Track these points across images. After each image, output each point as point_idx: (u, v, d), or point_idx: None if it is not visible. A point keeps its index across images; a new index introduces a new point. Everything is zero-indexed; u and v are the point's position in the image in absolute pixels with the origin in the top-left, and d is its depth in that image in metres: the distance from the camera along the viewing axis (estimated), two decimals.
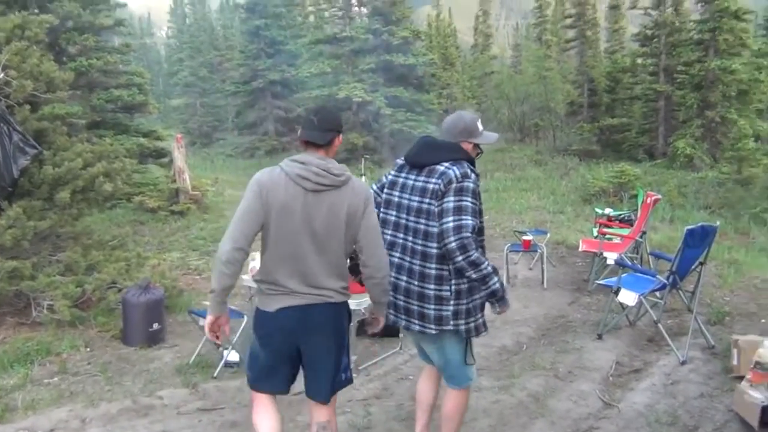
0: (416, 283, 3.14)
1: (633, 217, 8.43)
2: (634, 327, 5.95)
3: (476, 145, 3.34)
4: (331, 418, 3.11)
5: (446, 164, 3.10)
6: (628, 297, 5.36)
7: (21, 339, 5.53)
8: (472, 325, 3.17)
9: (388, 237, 3.25)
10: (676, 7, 20.11)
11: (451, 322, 3.10)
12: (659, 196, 7.98)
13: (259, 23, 25.17)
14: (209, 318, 2.99)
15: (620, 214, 8.83)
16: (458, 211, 2.96)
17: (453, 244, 2.90)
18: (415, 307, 3.16)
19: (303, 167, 2.83)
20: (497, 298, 3.08)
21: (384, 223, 3.26)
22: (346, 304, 3.05)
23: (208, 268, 8.08)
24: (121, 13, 15.70)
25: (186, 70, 34.68)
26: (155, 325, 5.59)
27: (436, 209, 3.05)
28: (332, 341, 2.98)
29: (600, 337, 5.66)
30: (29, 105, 6.20)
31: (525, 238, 7.77)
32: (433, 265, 3.08)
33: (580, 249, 7.78)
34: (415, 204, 3.15)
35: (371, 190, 3.14)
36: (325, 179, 2.82)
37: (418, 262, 3.13)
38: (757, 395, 3.93)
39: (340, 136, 3.02)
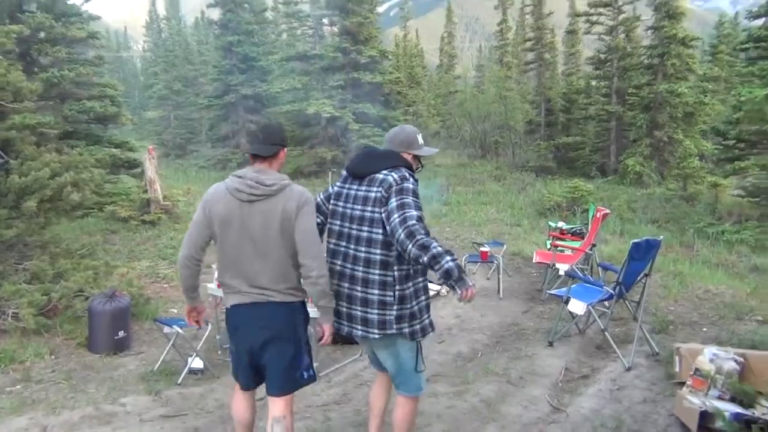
0: (359, 288, 3.12)
1: (584, 231, 8.53)
2: (584, 335, 6.00)
3: (417, 158, 3.36)
4: (285, 414, 3.14)
5: (385, 171, 3.13)
6: (577, 306, 5.41)
7: None
8: (417, 327, 3.14)
9: (332, 246, 3.26)
10: (627, 33, 20.54)
11: (395, 326, 3.08)
12: (608, 211, 8.10)
13: (232, 39, 24.96)
14: (186, 307, 3.34)
15: (572, 228, 8.93)
16: (401, 207, 2.98)
17: (402, 235, 2.90)
18: (359, 313, 3.14)
19: (239, 181, 3.03)
20: (454, 279, 2.85)
21: (329, 232, 3.28)
22: (295, 303, 3.13)
23: (177, 276, 7.96)
24: (95, 26, 15.45)
25: (160, 84, 34.25)
26: (121, 333, 5.47)
27: (380, 216, 3.05)
28: (281, 337, 3.08)
29: (551, 344, 5.70)
30: None
31: (482, 249, 7.80)
32: (377, 271, 3.07)
33: (534, 260, 7.84)
34: (358, 213, 3.15)
35: (310, 196, 3.12)
36: (257, 190, 2.99)
37: (361, 268, 3.11)
38: (695, 401, 3.99)
39: (285, 149, 3.17)
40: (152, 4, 72.73)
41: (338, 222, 3.24)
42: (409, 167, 3.25)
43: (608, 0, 20.04)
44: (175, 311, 6.68)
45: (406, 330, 3.10)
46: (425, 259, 2.84)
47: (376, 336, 3.11)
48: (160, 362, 5.09)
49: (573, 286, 5.76)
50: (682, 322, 6.48)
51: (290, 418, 3.18)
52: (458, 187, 18.28)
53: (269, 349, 3.08)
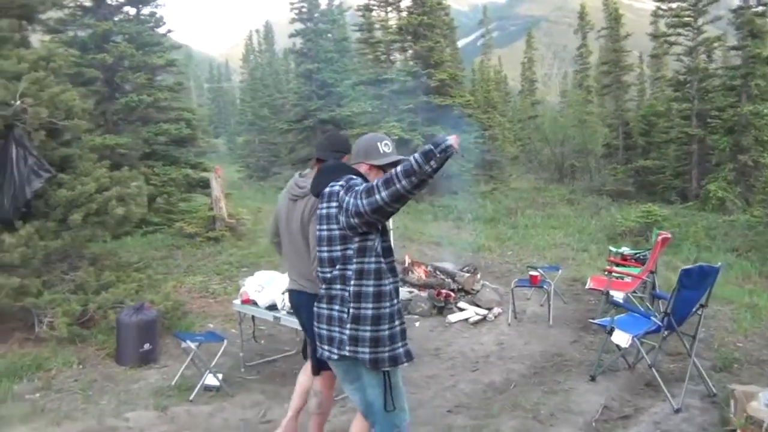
0: (325, 305, 2.82)
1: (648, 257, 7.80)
2: (633, 370, 5.35)
3: (380, 168, 2.92)
4: (323, 390, 3.58)
5: (333, 184, 2.80)
6: (621, 338, 4.82)
7: (19, 354, 5.35)
8: (384, 355, 2.69)
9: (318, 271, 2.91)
10: (708, 53, 19.32)
11: (347, 348, 2.70)
12: (669, 235, 7.35)
13: (311, 67, 25.40)
14: None
15: (637, 253, 8.19)
16: (352, 191, 2.63)
17: (362, 196, 2.53)
18: (325, 331, 2.83)
19: (289, 182, 3.66)
20: (441, 150, 2.35)
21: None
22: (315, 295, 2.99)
23: (225, 293, 7.86)
24: (198, 58, 15.99)
25: (248, 110, 35.32)
26: (146, 346, 5.33)
27: (337, 233, 2.73)
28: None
29: (593, 378, 5.10)
30: (46, 131, 6.11)
31: (532, 273, 7.24)
32: (338, 286, 2.76)
33: (587, 286, 7.21)
34: (323, 233, 2.82)
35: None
36: (294, 191, 3.56)
37: (325, 287, 2.81)
38: None
39: (347, 156, 3.36)
40: (249, 38, 75.87)
41: (317, 247, 2.90)
42: (364, 179, 2.85)
43: (687, 20, 18.90)
44: (212, 326, 6.53)
45: (367, 356, 2.68)
46: (414, 179, 2.37)
47: (335, 356, 2.77)
48: (177, 377, 4.90)
49: (619, 316, 5.16)
50: (750, 360, 5.71)
51: (327, 395, 3.61)
52: (527, 210, 17.57)
53: (308, 332, 3.54)
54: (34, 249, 5.82)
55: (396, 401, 2.81)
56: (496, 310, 7.20)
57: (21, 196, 5.78)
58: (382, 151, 2.93)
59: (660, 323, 4.72)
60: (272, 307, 4.95)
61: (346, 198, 2.62)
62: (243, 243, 11.45)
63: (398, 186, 2.39)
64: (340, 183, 2.77)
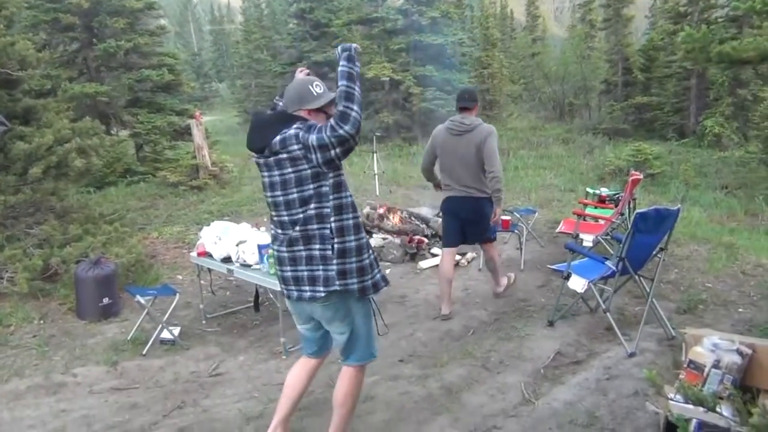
0: (302, 247, 2.81)
1: None
2: (594, 315, 5.31)
3: (321, 111, 2.85)
4: (491, 251, 5.63)
5: (283, 131, 2.73)
6: (577, 283, 4.76)
7: None
8: (368, 282, 2.87)
9: (273, 217, 2.94)
10: None
11: (337, 282, 2.78)
12: (640, 176, 7.21)
13: (304, 6, 24.69)
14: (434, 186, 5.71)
15: (616, 194, 8.04)
16: (315, 128, 2.66)
17: (328, 125, 2.60)
18: (305, 273, 2.84)
19: (451, 122, 5.24)
20: (354, 51, 2.70)
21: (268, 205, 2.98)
22: (484, 198, 5.21)
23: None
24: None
25: (242, 53, 34.59)
26: (105, 300, 5.33)
27: (308, 172, 2.71)
28: (478, 217, 5.30)
29: (551, 324, 5.07)
30: (2, 82, 5.97)
31: (504, 217, 7.12)
32: (315, 225, 2.76)
33: (557, 230, 7.12)
34: (288, 176, 2.76)
35: (493, 129, 5.21)
36: (462, 127, 5.16)
37: (299, 228, 2.79)
38: (678, 403, 3.32)
39: (477, 103, 5.34)
40: None
41: (269, 193, 2.89)
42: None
43: None
44: (181, 278, 6.53)
45: (355, 286, 2.82)
46: (352, 105, 2.58)
47: (322, 293, 2.80)
48: (134, 331, 4.90)
49: (577, 261, 5.08)
50: (717, 301, 5.64)
51: (496, 254, 5.73)
52: (520, 151, 17.33)
53: (471, 224, 5.36)
54: None
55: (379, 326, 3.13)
56: (470, 255, 7.14)
57: None
58: (315, 93, 2.86)
59: (614, 268, 4.63)
60: (227, 260, 4.91)
61: (311, 135, 2.62)
62: (227, 191, 11.39)
63: (353, 111, 2.56)
64: (293, 127, 2.72)
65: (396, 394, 3.91)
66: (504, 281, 5.87)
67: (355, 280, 2.82)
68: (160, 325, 4.71)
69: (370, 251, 2.92)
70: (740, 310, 5.44)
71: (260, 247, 4.56)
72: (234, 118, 32.04)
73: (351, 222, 2.81)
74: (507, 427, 3.50)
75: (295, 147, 2.68)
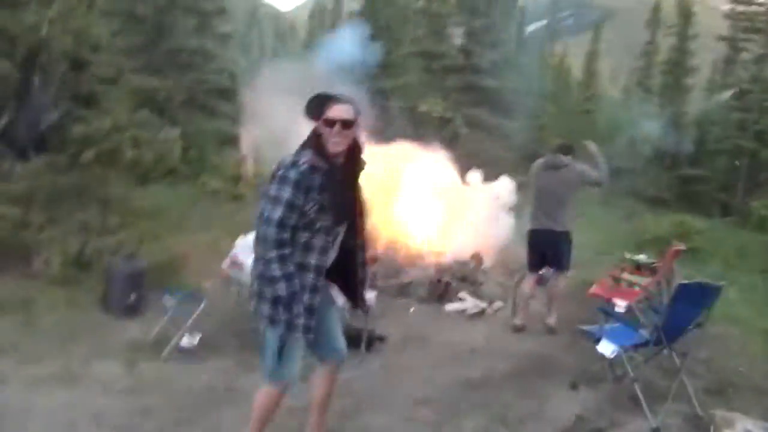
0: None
1: None
2: (619, 383, 5.11)
3: (331, 121, 2.86)
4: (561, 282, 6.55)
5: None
6: (606, 348, 4.63)
7: (11, 287, 5.43)
8: (281, 318, 2.87)
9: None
10: None
11: (252, 301, 2.95)
12: (683, 247, 7.07)
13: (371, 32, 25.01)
14: None
15: (653, 263, 7.83)
16: (270, 200, 2.80)
17: (257, 231, 2.82)
18: None
19: (551, 159, 6.23)
20: (283, 310, 2.82)
21: None
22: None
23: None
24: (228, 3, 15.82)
25: None
26: (132, 296, 5.36)
27: None
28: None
29: (574, 386, 4.91)
30: (71, 63, 6.11)
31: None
32: None
33: (590, 290, 6.96)
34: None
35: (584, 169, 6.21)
36: (560, 163, 6.05)
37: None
38: None
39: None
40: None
41: None
42: (319, 148, 2.86)
43: (760, 26, 17.86)
44: (208, 286, 6.53)
45: (265, 313, 2.90)
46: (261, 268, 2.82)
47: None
48: (156, 333, 4.90)
49: (610, 325, 4.94)
50: (748, 386, 5.40)
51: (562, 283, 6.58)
52: None
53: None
54: (42, 183, 5.88)
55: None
56: (497, 304, 7.04)
57: (36, 126, 5.81)
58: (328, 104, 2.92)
59: (649, 337, 4.50)
60: None
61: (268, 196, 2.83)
62: None
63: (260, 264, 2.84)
64: (287, 156, 2.88)
65: None
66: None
67: (266, 307, 2.90)
68: (181, 332, 4.70)
69: (306, 294, 2.91)
70: None
71: None
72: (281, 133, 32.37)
73: (278, 254, 2.82)
74: None
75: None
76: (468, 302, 6.92)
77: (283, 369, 3.00)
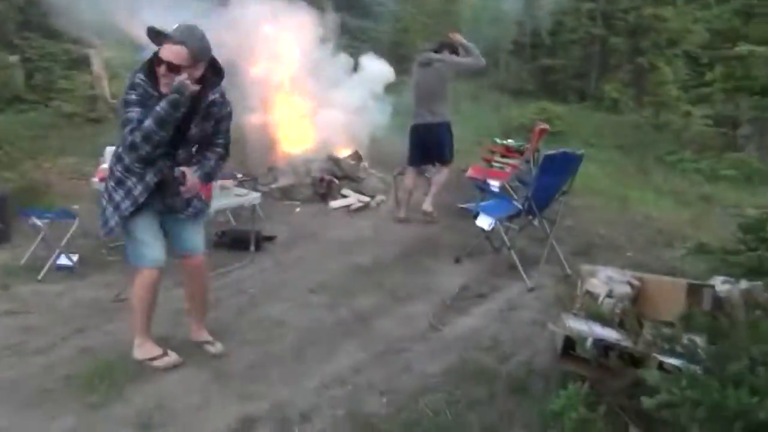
0: None
1: None
2: (498, 254, 5.51)
3: (158, 61, 2.87)
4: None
5: None
6: (484, 221, 4.94)
7: None
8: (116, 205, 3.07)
9: None
10: None
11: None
12: (547, 126, 7.53)
13: None
14: None
15: (520, 146, 8.31)
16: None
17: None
18: None
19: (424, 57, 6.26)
20: (183, 95, 2.82)
21: None
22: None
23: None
24: None
25: None
26: None
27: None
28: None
29: (458, 260, 5.24)
30: None
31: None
32: None
33: (466, 174, 7.30)
34: None
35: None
36: (424, 60, 6.31)
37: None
38: (575, 324, 3.54)
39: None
40: None
41: None
42: (149, 73, 2.90)
43: None
44: (77, 207, 6.18)
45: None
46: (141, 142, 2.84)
47: None
48: (27, 257, 4.63)
49: (485, 201, 5.25)
50: (608, 246, 6.02)
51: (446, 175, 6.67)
52: None
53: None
54: None
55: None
56: (380, 197, 7.21)
57: None
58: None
59: (520, 207, 4.83)
60: None
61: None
62: None
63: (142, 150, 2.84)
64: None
65: (307, 320, 3.94)
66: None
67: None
68: (57, 250, 4.47)
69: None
70: (629, 254, 5.82)
71: None
72: (129, 54, 30.17)
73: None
74: (415, 350, 3.61)
75: None
76: (351, 198, 7.04)
77: (138, 250, 3.11)
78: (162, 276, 3.19)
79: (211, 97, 3.00)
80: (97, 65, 10.79)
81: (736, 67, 10.12)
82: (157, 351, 3.25)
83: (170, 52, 2.79)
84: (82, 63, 12.94)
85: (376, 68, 8.99)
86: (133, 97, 2.83)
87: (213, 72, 3.03)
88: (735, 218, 4.10)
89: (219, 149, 3.16)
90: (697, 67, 12.99)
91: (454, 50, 6.34)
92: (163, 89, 2.84)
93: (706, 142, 12.23)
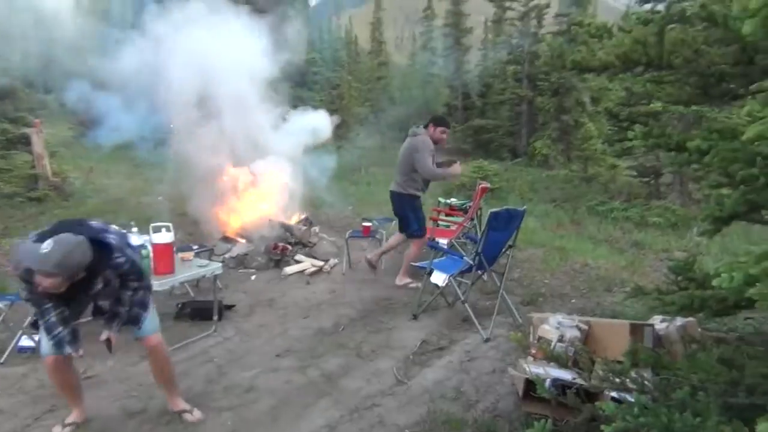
0: None
1: None
2: (452, 308, 5.78)
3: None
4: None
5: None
6: (438, 278, 5.21)
7: None
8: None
9: None
10: (538, 19, 20.62)
11: None
12: (488, 185, 7.98)
13: None
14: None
15: (462, 204, 8.74)
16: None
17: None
18: None
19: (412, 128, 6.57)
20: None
21: None
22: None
23: None
24: None
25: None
26: None
27: None
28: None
29: (415, 317, 5.47)
30: None
31: (365, 224, 7.52)
32: None
33: None
34: None
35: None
36: (411, 132, 6.54)
37: None
38: (534, 369, 3.80)
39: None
40: None
41: None
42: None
43: None
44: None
45: None
46: None
47: None
48: None
49: (438, 258, 5.53)
50: (553, 294, 6.37)
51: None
52: (372, 168, 17.98)
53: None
54: None
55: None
56: (332, 261, 7.40)
57: None
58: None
59: (471, 262, 5.13)
60: None
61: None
62: (70, 203, 10.75)
63: None
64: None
65: (278, 384, 4.05)
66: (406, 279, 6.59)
67: None
68: (20, 332, 4.45)
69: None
70: (573, 300, 6.19)
71: (133, 248, 4.48)
72: (68, 131, 29.73)
73: None
74: (385, 404, 3.78)
75: None
76: (305, 263, 7.21)
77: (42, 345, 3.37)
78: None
79: (99, 285, 3.19)
80: (37, 144, 10.73)
81: (652, 125, 10.93)
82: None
83: (47, 283, 2.84)
84: (18, 143, 12.85)
85: (311, 117, 9.24)
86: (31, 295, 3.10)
87: (99, 257, 3.06)
88: (665, 261, 4.51)
89: (134, 285, 3.37)
90: (618, 123, 13.93)
91: (439, 123, 6.57)
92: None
93: (633, 191, 13.05)
